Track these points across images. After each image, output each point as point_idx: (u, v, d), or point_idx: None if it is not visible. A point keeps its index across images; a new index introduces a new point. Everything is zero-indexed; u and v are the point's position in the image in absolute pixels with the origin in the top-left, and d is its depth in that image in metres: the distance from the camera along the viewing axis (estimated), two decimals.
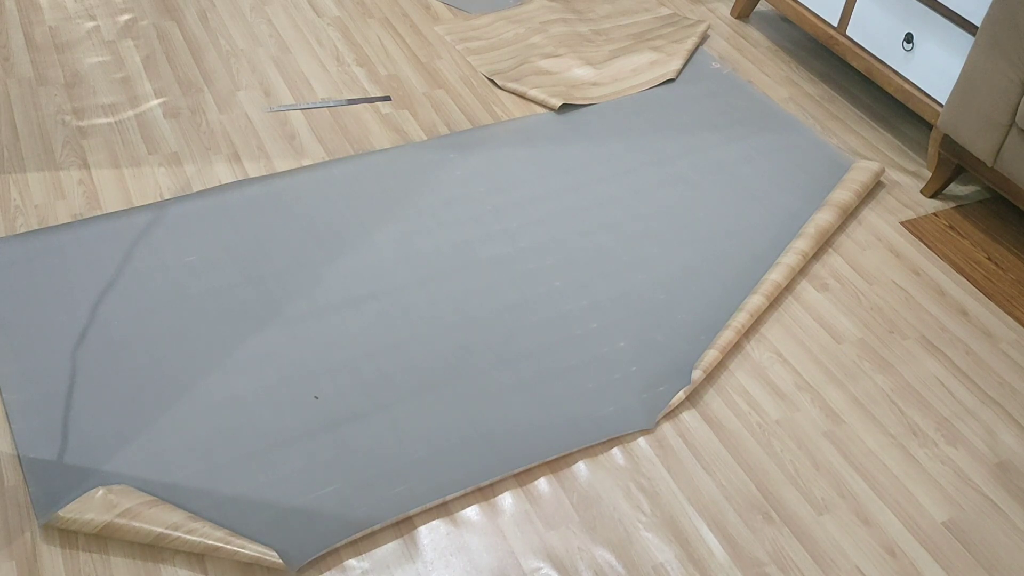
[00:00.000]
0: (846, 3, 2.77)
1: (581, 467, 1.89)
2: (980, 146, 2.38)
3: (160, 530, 1.69)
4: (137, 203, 2.37)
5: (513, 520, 1.80)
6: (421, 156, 2.57)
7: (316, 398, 1.97)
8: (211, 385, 1.97)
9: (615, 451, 1.92)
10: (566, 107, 2.79)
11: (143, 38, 2.92)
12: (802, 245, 2.34)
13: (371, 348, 2.07)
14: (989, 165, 2.39)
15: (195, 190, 2.42)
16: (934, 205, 2.58)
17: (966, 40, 2.44)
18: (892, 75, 2.69)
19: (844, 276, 2.34)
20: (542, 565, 1.73)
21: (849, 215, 2.51)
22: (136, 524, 1.69)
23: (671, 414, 2.00)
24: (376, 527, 1.75)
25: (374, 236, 2.33)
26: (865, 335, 2.20)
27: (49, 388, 1.94)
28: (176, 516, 1.71)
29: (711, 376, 2.08)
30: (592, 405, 1.99)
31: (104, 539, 1.72)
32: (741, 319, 2.15)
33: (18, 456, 1.83)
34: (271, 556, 1.67)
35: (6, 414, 1.89)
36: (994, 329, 2.24)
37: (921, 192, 2.61)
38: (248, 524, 1.75)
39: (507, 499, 1.83)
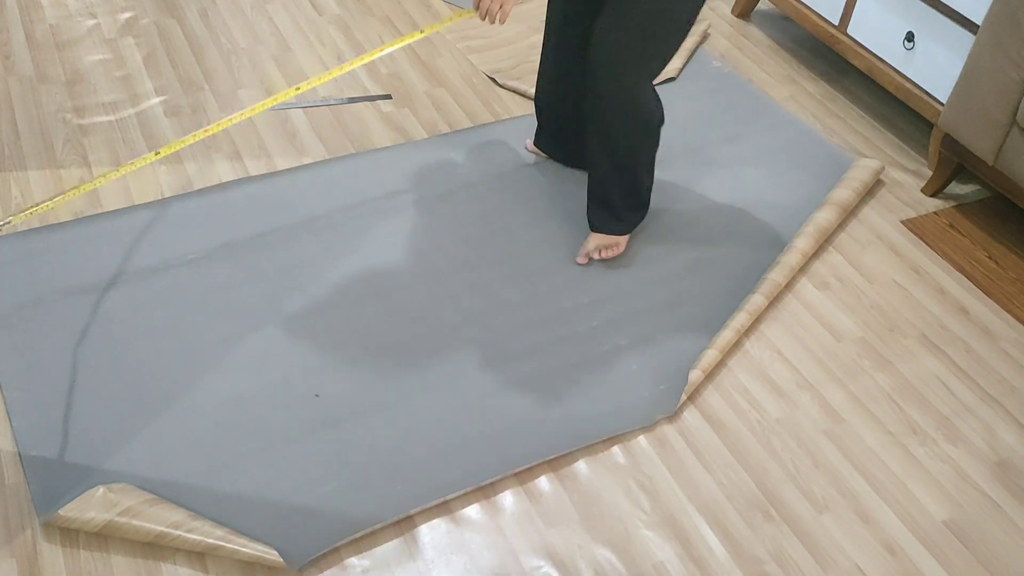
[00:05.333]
0: (847, 2, 2.77)
1: (581, 465, 1.89)
2: (981, 145, 2.37)
3: (161, 529, 1.69)
4: (138, 201, 2.37)
5: (513, 519, 1.80)
6: (422, 154, 2.57)
7: (317, 396, 1.97)
8: (212, 383, 1.97)
9: (615, 449, 1.92)
10: None
11: (144, 36, 2.92)
12: (802, 243, 2.34)
13: (372, 346, 2.07)
14: (990, 164, 2.39)
15: (196, 188, 2.42)
16: (935, 204, 2.58)
17: (967, 39, 2.44)
18: (893, 74, 2.68)
19: (844, 274, 2.34)
20: (542, 563, 1.74)
21: (849, 213, 2.51)
22: (137, 523, 1.69)
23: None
24: (377, 526, 1.75)
25: (375, 234, 2.33)
26: (865, 333, 2.20)
27: (50, 386, 1.94)
28: (177, 515, 1.71)
29: (711, 374, 2.08)
30: (592, 403, 1.99)
31: (105, 537, 1.72)
32: (740, 319, 2.15)
33: (19, 454, 1.83)
34: (272, 555, 1.67)
35: (7, 412, 1.89)
36: (994, 327, 2.24)
37: (922, 191, 2.61)
38: (249, 522, 1.75)
39: (508, 498, 1.83)
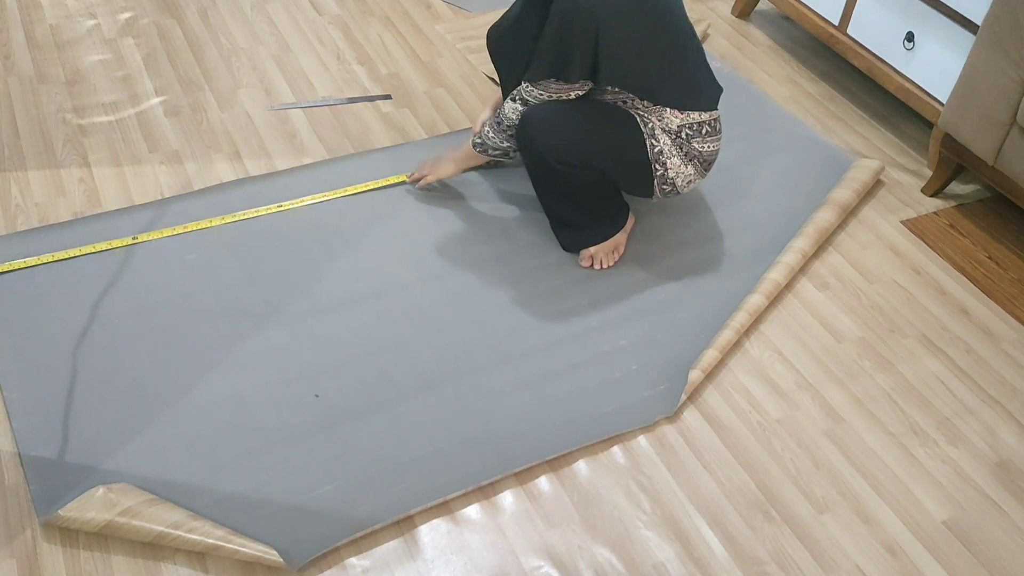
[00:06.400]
0: (847, 2, 2.77)
1: (581, 466, 1.89)
2: (981, 145, 2.38)
3: (161, 529, 1.69)
4: (138, 201, 2.37)
5: (514, 519, 1.80)
6: (422, 155, 2.57)
7: (317, 396, 1.97)
8: (212, 383, 1.97)
9: (615, 450, 1.92)
10: None
11: (144, 36, 2.92)
12: (802, 244, 2.34)
13: (372, 347, 2.07)
14: (990, 164, 2.39)
15: (196, 188, 2.42)
16: (935, 204, 2.58)
17: (967, 39, 2.44)
18: (893, 74, 2.69)
19: (844, 275, 2.34)
20: (542, 564, 1.74)
21: (849, 214, 2.51)
22: (136, 523, 1.69)
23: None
24: (377, 526, 1.76)
25: (375, 234, 2.33)
26: (865, 334, 2.20)
27: (50, 386, 1.94)
28: (177, 515, 1.71)
29: (711, 374, 2.08)
30: (592, 403, 1.99)
31: (105, 538, 1.72)
32: (740, 318, 2.15)
33: (19, 454, 1.83)
34: (272, 555, 1.67)
35: (7, 412, 1.89)
36: (995, 328, 2.24)
37: (922, 191, 2.61)
38: (249, 522, 1.75)
39: (507, 498, 1.83)
